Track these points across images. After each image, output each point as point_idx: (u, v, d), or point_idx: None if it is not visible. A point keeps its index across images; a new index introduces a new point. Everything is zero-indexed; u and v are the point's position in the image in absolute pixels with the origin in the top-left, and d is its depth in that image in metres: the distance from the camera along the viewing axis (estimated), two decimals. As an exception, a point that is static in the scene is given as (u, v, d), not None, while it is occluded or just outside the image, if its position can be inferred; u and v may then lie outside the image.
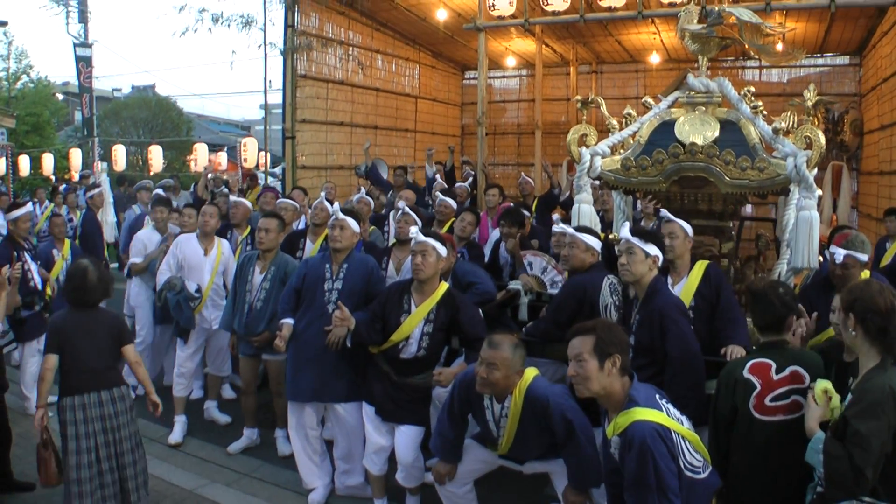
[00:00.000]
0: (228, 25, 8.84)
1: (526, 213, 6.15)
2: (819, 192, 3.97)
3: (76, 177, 16.64)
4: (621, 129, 4.51)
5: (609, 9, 7.90)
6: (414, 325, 3.86)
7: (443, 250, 3.91)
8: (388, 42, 11.47)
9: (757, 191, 4.04)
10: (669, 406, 2.67)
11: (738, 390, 2.86)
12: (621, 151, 4.51)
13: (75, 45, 16.09)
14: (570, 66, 12.11)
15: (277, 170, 16.25)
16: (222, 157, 16.86)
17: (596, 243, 4.03)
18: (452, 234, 5.38)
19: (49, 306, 5.60)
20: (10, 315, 4.84)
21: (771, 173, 3.92)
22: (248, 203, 6.50)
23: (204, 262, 5.49)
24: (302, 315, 4.22)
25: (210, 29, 8.79)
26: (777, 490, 2.83)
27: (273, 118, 13.51)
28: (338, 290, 4.18)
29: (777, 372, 2.84)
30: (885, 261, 5.99)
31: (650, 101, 4.50)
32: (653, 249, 3.50)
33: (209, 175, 8.15)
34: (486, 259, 5.69)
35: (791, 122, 4.06)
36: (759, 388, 2.83)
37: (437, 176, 8.63)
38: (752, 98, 4.16)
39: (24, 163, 18.42)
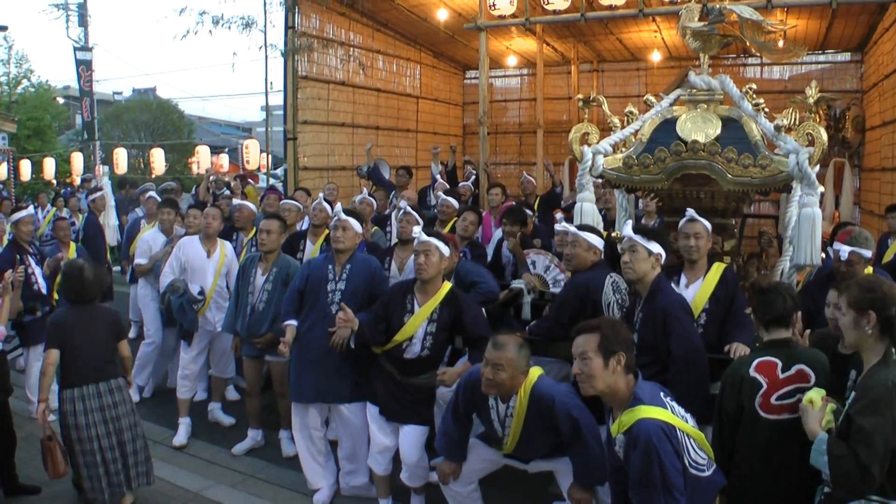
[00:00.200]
0: (229, 27, 8.86)
1: (528, 211, 6.14)
2: (821, 188, 3.98)
3: (78, 180, 16.63)
4: (623, 127, 4.52)
5: (610, 7, 7.87)
6: (417, 325, 3.86)
7: (445, 250, 3.91)
8: (389, 42, 11.46)
9: (759, 188, 4.04)
10: (674, 404, 2.67)
11: (745, 389, 2.86)
12: (623, 150, 4.51)
13: (75, 49, 16.08)
14: (571, 65, 12.09)
15: (279, 171, 16.25)
16: (224, 160, 16.83)
17: (598, 242, 4.04)
18: (455, 233, 5.38)
19: (54, 310, 5.60)
20: (12, 319, 4.85)
21: (773, 170, 3.91)
22: (251, 206, 6.52)
23: (207, 265, 5.49)
24: (305, 316, 4.22)
25: (210, 31, 8.83)
26: (777, 489, 2.83)
27: (274, 120, 13.53)
28: (341, 290, 4.18)
29: (783, 370, 2.83)
30: (888, 257, 5.97)
31: (652, 99, 4.50)
32: (655, 247, 3.50)
33: (211, 177, 8.15)
34: (489, 258, 5.69)
35: (793, 119, 4.07)
36: (765, 386, 2.83)
37: (439, 176, 8.63)
38: (754, 95, 4.16)
39: (26, 167, 18.45)
